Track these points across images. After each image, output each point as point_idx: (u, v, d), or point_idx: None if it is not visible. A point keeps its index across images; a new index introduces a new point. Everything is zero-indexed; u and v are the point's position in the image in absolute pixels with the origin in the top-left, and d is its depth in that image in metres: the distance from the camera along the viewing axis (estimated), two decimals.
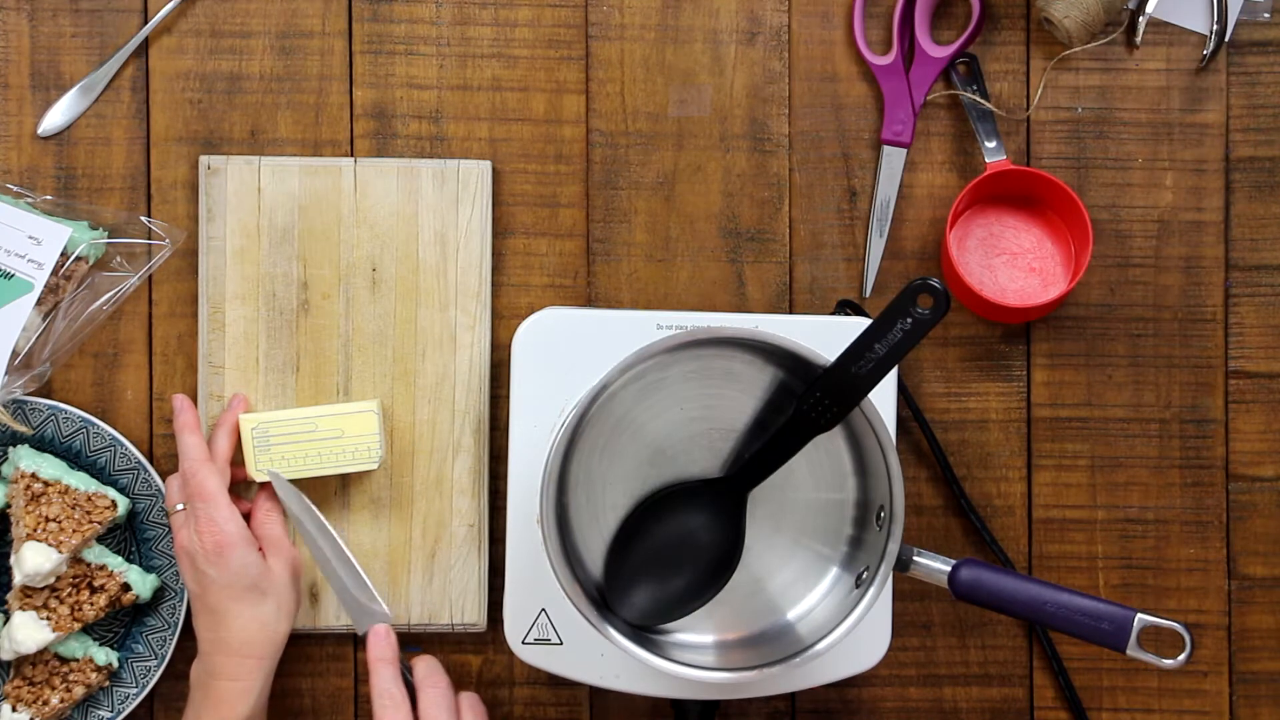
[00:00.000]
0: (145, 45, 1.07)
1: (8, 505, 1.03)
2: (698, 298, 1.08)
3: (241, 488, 1.05)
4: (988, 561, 0.95)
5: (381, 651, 0.99)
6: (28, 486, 1.01)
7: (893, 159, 1.08)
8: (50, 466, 1.02)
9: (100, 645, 1.05)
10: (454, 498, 1.06)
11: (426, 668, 1.00)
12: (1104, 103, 1.09)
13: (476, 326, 1.06)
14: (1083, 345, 1.08)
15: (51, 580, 1.01)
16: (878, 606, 0.96)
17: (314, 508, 1.03)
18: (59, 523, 1.00)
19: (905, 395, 1.06)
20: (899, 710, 1.08)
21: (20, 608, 1.01)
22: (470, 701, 1.00)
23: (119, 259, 1.06)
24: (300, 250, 1.06)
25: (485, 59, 1.08)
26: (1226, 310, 1.09)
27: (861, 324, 0.91)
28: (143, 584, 1.03)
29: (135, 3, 1.07)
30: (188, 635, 1.03)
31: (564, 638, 0.99)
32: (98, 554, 1.03)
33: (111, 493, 1.03)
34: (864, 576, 0.91)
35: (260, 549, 1.01)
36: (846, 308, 1.05)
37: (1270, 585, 1.08)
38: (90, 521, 1.01)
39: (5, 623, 1.02)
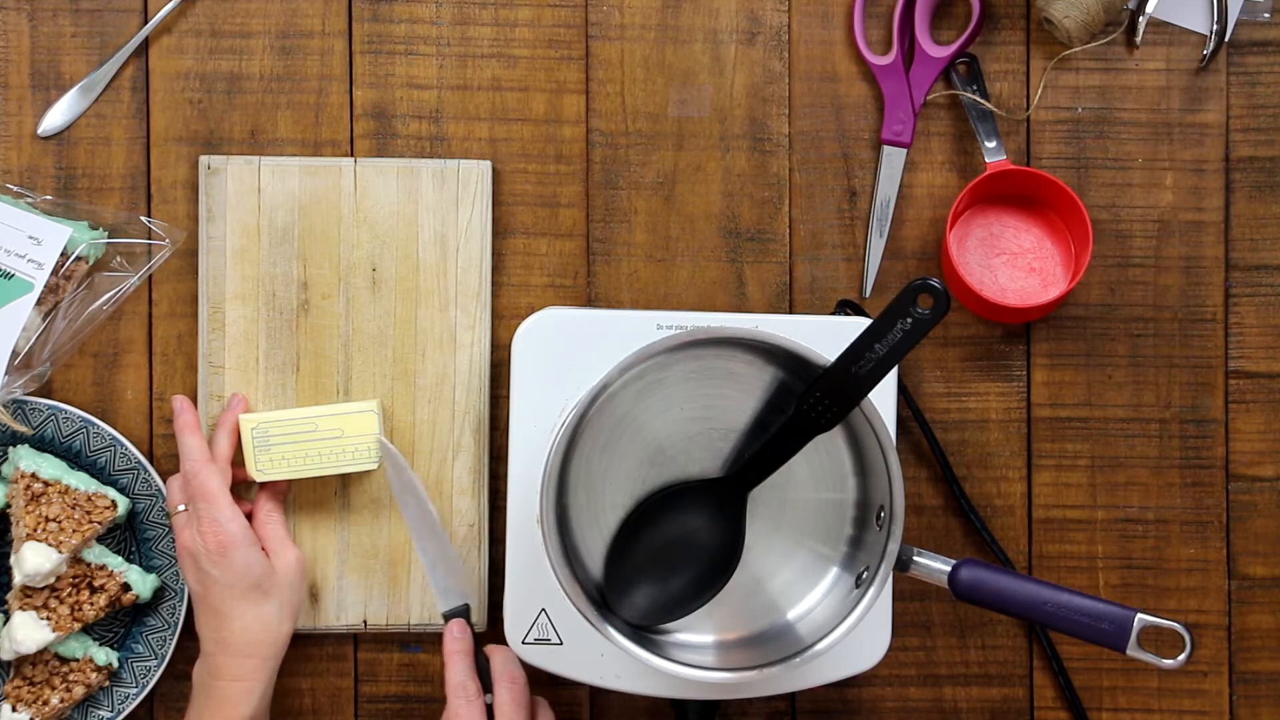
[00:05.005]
0: (145, 45, 1.07)
1: (8, 505, 1.03)
2: (698, 298, 1.08)
3: (242, 488, 1.05)
4: (988, 561, 0.95)
5: (456, 644, 1.00)
6: (28, 486, 1.01)
7: (893, 159, 1.08)
8: (50, 466, 1.02)
9: (100, 645, 1.05)
10: (454, 498, 1.06)
11: (503, 661, 0.99)
12: (1104, 103, 1.09)
13: (476, 326, 1.06)
14: (1083, 345, 1.08)
15: (51, 580, 1.01)
16: (878, 606, 0.96)
17: (418, 481, 1.03)
18: (59, 523, 1.00)
19: (905, 395, 1.06)
20: (899, 710, 1.08)
21: (20, 608, 1.01)
22: (544, 705, 1.00)
23: (119, 259, 1.06)
24: (300, 250, 1.06)
25: (485, 59, 1.08)
26: (1226, 310, 1.09)
27: (861, 324, 0.91)
28: (143, 584, 1.03)
29: (135, 3, 1.07)
30: (188, 635, 1.03)
31: (564, 638, 0.99)
32: (98, 554, 1.03)
33: (111, 493, 1.03)
34: (864, 576, 0.91)
35: (263, 548, 1.01)
36: (846, 308, 1.05)
37: (1270, 585, 1.08)
38: (90, 521, 1.01)
39: (5, 623, 1.02)
